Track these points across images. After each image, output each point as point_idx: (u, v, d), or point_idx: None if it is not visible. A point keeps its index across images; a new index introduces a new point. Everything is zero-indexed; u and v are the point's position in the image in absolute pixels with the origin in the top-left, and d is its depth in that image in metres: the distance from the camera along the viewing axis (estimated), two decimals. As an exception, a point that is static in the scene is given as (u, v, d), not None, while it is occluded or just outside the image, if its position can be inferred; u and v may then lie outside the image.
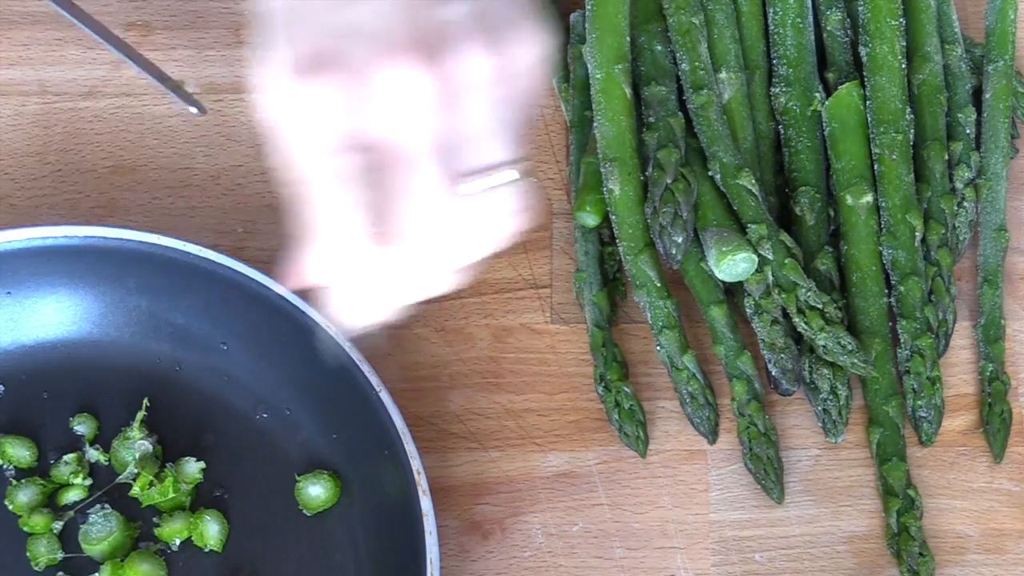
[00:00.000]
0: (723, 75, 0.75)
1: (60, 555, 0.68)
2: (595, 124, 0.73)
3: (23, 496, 0.69)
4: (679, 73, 0.75)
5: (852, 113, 0.74)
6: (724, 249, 0.69)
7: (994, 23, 0.78)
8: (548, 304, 0.75)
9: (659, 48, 0.75)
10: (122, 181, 0.78)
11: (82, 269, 0.71)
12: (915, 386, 0.71)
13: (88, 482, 0.70)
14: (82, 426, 0.71)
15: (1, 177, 0.78)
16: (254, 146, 0.78)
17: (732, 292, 0.73)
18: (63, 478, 0.69)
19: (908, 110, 0.74)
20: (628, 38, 0.74)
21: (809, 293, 0.70)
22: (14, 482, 0.69)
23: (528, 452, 0.72)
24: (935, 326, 0.72)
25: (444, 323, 0.74)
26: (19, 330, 0.72)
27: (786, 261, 0.70)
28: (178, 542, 0.69)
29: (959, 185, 0.75)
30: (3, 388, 0.71)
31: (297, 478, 0.69)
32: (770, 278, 0.70)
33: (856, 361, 0.69)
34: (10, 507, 0.69)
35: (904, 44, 0.75)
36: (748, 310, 0.71)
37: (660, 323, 0.71)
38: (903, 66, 0.74)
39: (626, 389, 0.71)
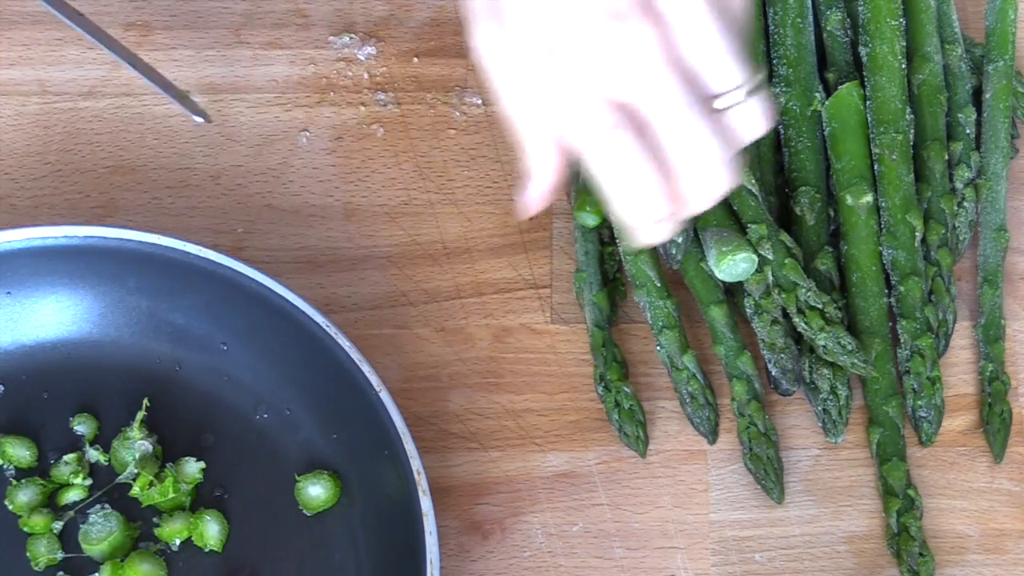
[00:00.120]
0: (723, 75, 0.75)
1: (60, 555, 0.68)
2: (595, 124, 0.73)
3: (23, 496, 0.69)
4: (679, 73, 0.75)
5: (852, 113, 0.74)
6: (724, 249, 0.69)
7: (994, 23, 0.78)
8: (548, 304, 0.75)
9: (659, 48, 0.75)
10: (122, 181, 0.77)
11: (82, 269, 0.71)
12: (915, 386, 0.71)
13: (88, 482, 0.70)
14: (82, 426, 0.71)
15: (1, 177, 0.78)
16: (254, 146, 0.78)
17: (732, 292, 0.73)
18: (63, 478, 0.69)
19: (908, 110, 0.74)
20: (628, 38, 0.74)
21: (809, 293, 0.70)
22: (14, 482, 0.69)
23: (528, 452, 0.71)
24: (935, 326, 0.72)
25: (444, 323, 0.74)
26: (19, 330, 0.72)
27: (786, 261, 0.70)
28: (178, 542, 0.69)
29: (959, 185, 0.75)
30: (3, 388, 0.71)
31: (297, 478, 0.69)
32: (770, 278, 0.70)
33: (856, 361, 0.69)
34: (10, 507, 0.69)
35: (904, 44, 0.75)
36: (748, 310, 0.71)
37: (660, 323, 0.71)
38: (903, 66, 0.74)
39: (626, 389, 0.71)
